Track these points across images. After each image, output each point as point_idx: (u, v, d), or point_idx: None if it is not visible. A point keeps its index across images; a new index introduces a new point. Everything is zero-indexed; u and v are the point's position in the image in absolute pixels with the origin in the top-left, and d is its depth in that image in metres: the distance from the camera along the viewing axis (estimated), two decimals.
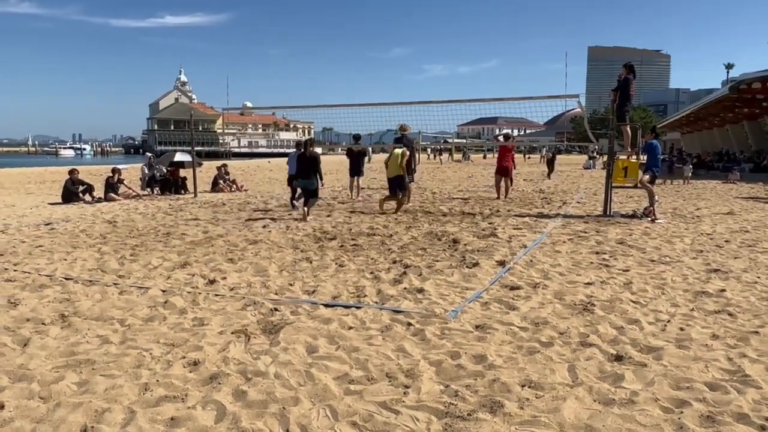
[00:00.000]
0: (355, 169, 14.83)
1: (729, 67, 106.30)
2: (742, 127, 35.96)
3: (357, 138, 15.36)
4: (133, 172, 22.67)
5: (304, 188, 11.00)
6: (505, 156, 14.82)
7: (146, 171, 16.59)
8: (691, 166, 23.14)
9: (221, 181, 17.38)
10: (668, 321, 4.50)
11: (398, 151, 11.92)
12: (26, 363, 3.68)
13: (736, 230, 9.22)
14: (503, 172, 14.73)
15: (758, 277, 5.95)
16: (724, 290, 5.40)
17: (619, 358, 3.74)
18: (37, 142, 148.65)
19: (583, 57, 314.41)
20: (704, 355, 3.77)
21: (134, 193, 15.42)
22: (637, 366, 3.61)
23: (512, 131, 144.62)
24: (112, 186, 14.69)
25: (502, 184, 14.80)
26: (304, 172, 10.83)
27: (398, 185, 11.82)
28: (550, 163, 26.49)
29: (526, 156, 51.33)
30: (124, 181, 15.50)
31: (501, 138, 16.81)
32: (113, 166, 16.54)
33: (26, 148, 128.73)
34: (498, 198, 14.62)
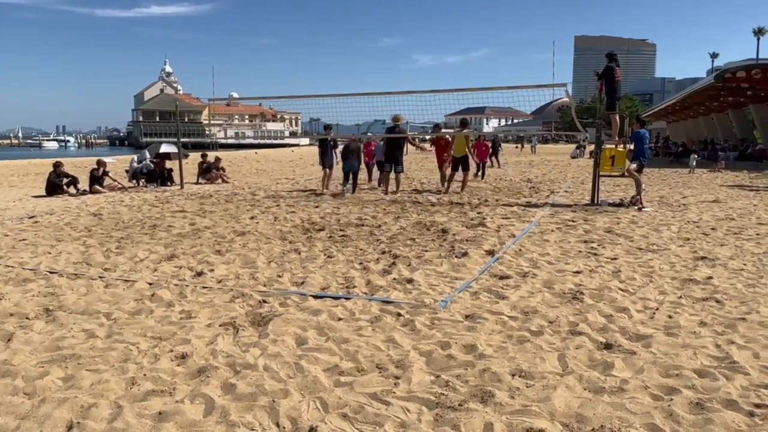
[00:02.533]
0: (329, 160, 14.21)
1: (714, 56, 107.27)
2: (727, 116, 36.23)
3: (327, 128, 14.95)
4: (118, 164, 22.40)
5: (348, 170, 13.80)
6: (439, 148, 14.37)
7: (135, 165, 16.41)
8: (696, 156, 22.49)
9: (213, 171, 17.18)
10: (657, 309, 4.53)
11: (461, 134, 13.89)
12: (10, 358, 3.62)
13: (722, 218, 9.29)
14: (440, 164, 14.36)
15: (744, 264, 6.00)
16: (711, 278, 5.43)
17: (608, 347, 3.76)
18: (20, 134, 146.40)
19: (569, 46, 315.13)
20: (693, 343, 3.79)
21: (119, 185, 15.25)
22: (627, 354, 3.62)
23: (499, 121, 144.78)
24: (97, 179, 14.51)
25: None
26: (348, 159, 13.70)
27: (463, 164, 13.50)
28: (493, 154, 24.07)
29: (516, 146, 51.50)
30: (109, 173, 15.32)
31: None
32: (98, 158, 16.32)
33: (9, 141, 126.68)
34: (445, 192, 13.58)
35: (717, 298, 4.80)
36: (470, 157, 13.75)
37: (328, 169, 14.18)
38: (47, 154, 54.97)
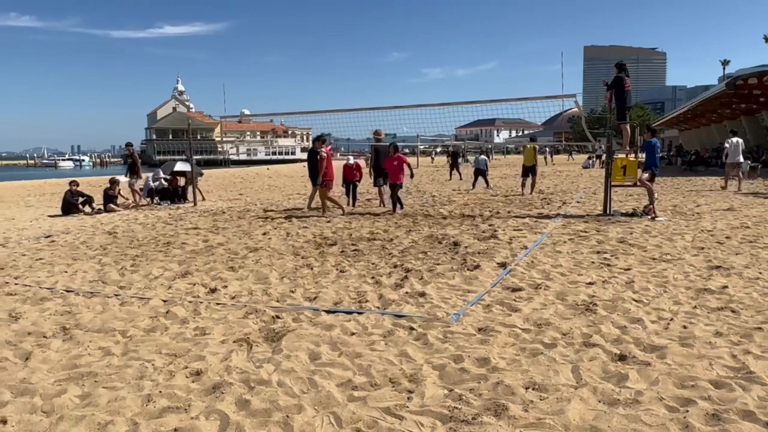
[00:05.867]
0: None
1: (725, 63, 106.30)
2: (740, 123, 35.97)
3: (318, 139, 13.39)
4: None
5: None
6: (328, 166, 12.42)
7: (150, 183, 16.61)
8: (749, 162, 20.43)
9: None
10: (671, 319, 4.49)
11: (530, 146, 17.09)
12: (28, 377, 3.67)
13: (737, 226, 9.20)
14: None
15: (760, 273, 5.93)
16: (726, 287, 5.39)
17: (622, 358, 3.73)
18: (36, 155, 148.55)
19: (579, 57, 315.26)
20: (708, 353, 3.76)
21: (133, 203, 15.41)
22: (641, 365, 3.60)
23: (510, 132, 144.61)
24: (111, 197, 14.68)
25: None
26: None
27: (532, 172, 16.48)
28: (454, 166, 26.26)
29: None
30: (121, 192, 15.46)
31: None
32: (111, 177, 16.48)
33: (25, 161, 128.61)
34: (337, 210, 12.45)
35: (732, 307, 4.75)
36: (536, 165, 16.62)
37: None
38: (63, 173, 55.61)
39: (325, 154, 12.33)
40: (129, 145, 16.42)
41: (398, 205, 12.47)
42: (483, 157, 20.68)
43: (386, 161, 12.67)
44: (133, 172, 15.97)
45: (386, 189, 13.06)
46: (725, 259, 6.65)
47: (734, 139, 17.29)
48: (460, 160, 29.03)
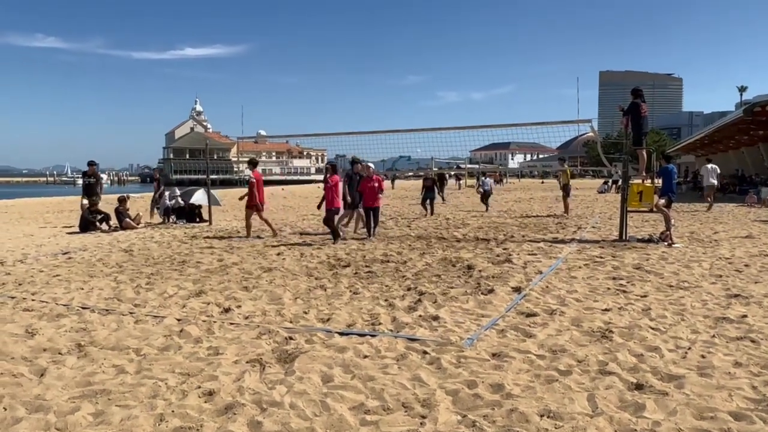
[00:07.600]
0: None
1: (742, 89, 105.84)
2: (758, 150, 35.64)
3: (353, 162, 13.26)
4: (148, 199, 22.86)
5: (427, 198, 18.12)
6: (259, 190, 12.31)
7: (167, 201, 16.77)
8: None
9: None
10: (689, 348, 4.42)
11: (567, 167, 18.07)
12: (43, 393, 3.69)
13: (756, 254, 9.07)
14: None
15: None
16: (745, 316, 5.30)
17: (639, 387, 3.67)
18: (56, 172, 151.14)
19: (594, 82, 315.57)
20: (727, 384, 3.69)
21: (140, 218, 15.60)
22: (659, 395, 3.53)
23: (524, 156, 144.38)
24: (123, 214, 14.80)
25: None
26: (429, 190, 18.14)
27: (565, 192, 17.30)
28: (441, 184, 24.86)
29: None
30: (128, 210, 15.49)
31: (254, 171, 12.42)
32: (119, 195, 16.46)
33: (45, 178, 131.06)
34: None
35: (752, 337, 4.66)
36: (569, 186, 17.35)
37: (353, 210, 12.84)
38: (81, 191, 56.30)
39: (254, 180, 12.22)
40: (92, 164, 15.09)
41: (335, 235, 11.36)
42: (489, 180, 22.60)
43: (364, 184, 11.97)
44: (93, 193, 14.65)
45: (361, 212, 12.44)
46: (744, 288, 6.54)
47: (708, 165, 19.93)
48: (462, 182, 29.64)
